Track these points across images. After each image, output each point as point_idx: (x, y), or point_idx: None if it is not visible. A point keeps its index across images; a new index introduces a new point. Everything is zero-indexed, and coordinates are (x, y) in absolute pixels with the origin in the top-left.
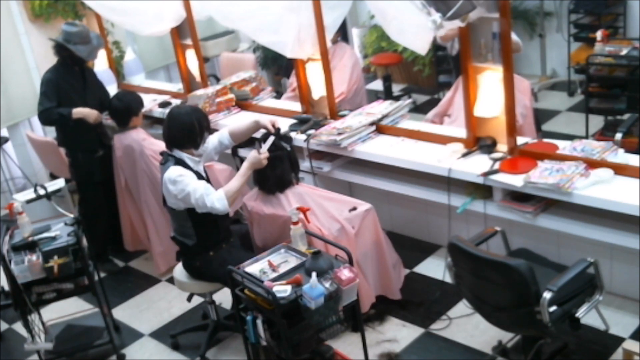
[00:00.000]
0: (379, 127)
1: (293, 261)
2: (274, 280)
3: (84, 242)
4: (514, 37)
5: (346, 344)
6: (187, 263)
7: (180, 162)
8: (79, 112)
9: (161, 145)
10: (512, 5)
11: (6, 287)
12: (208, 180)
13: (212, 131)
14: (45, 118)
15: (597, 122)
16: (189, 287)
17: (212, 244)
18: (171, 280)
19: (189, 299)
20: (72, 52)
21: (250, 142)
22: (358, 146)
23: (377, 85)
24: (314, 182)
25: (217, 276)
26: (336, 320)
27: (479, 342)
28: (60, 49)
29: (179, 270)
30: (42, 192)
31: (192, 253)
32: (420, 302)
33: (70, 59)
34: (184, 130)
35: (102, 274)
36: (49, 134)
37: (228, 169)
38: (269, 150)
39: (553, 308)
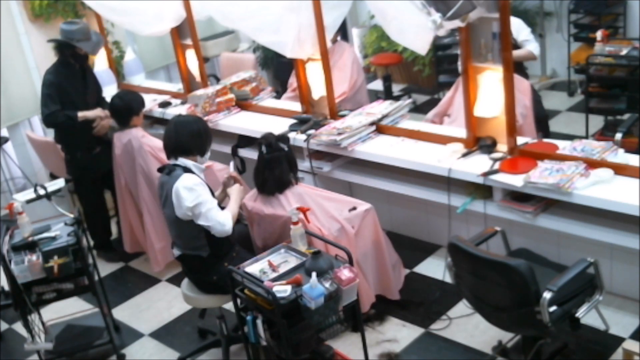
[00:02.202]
0: (379, 127)
1: (293, 261)
2: (274, 280)
3: (84, 242)
4: (533, 49)
5: (346, 344)
6: (201, 279)
7: (187, 171)
8: (83, 115)
9: (160, 142)
10: (512, 5)
11: (6, 287)
12: (210, 189)
13: None
14: (51, 121)
15: (597, 122)
16: (202, 302)
17: (224, 252)
18: (171, 280)
19: (202, 315)
20: (75, 50)
21: (250, 142)
22: (358, 146)
23: (377, 85)
24: (314, 182)
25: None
26: (336, 320)
27: (479, 342)
28: (63, 47)
29: (187, 285)
30: (42, 192)
31: (207, 266)
32: (420, 302)
33: (72, 58)
34: (194, 135)
35: (103, 269)
36: (49, 134)
37: (227, 168)
38: (267, 152)
39: (553, 308)
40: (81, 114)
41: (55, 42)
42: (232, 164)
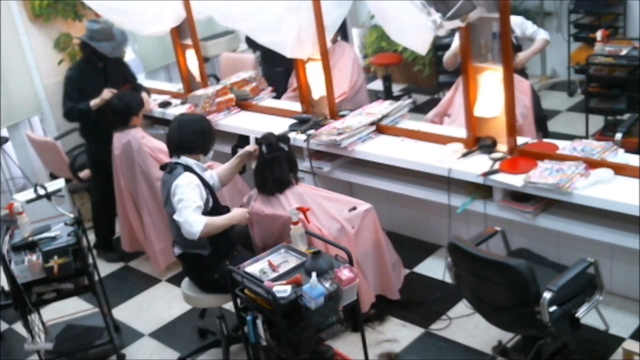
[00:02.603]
0: (379, 127)
1: (293, 261)
2: (274, 280)
3: (84, 242)
4: (544, 35)
5: (346, 344)
6: (201, 278)
7: (188, 169)
8: (95, 104)
9: (159, 143)
10: (512, 5)
11: (6, 287)
12: (212, 191)
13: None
14: (69, 117)
15: (597, 122)
16: (202, 302)
17: (225, 251)
18: (171, 280)
19: (202, 315)
20: (96, 49)
21: (249, 142)
22: (358, 146)
23: (377, 85)
24: (314, 182)
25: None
26: (336, 320)
27: (479, 342)
28: (84, 46)
29: (187, 285)
30: (42, 192)
31: (207, 265)
32: (420, 302)
33: (94, 56)
34: (197, 134)
35: (103, 269)
36: (49, 134)
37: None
38: (267, 152)
39: (553, 308)
40: (93, 103)
41: (78, 39)
42: (252, 138)
